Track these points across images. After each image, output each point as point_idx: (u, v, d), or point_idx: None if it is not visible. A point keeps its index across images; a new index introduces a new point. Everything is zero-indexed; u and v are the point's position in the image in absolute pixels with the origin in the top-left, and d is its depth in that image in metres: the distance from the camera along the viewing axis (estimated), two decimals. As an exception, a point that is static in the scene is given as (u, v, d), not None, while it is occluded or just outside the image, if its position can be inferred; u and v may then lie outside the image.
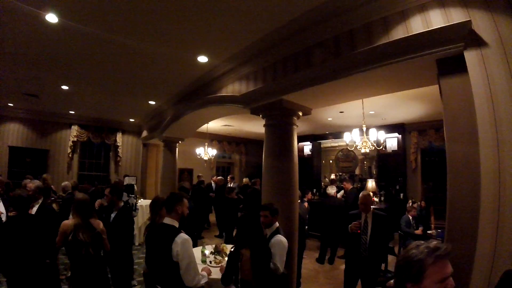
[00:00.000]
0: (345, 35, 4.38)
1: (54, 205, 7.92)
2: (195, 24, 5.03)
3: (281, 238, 4.17)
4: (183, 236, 3.44)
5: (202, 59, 6.41)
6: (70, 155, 14.17)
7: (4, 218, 5.37)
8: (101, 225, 4.35)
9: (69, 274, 4.64)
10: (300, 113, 6.05)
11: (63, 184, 8.22)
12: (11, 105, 12.81)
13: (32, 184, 5.37)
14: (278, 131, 5.89)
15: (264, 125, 6.15)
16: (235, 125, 13.94)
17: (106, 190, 5.50)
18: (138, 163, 15.35)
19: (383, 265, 6.77)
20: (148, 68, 7.18)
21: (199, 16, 4.79)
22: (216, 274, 4.23)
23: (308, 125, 12.69)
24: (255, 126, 13.72)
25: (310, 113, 6.27)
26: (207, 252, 5.23)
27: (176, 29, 5.25)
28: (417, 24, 3.63)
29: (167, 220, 3.63)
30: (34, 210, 5.14)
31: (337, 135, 14.14)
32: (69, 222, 4.12)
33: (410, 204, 9.68)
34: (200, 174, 13.47)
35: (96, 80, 8.44)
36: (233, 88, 6.79)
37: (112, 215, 5.27)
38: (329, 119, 11.45)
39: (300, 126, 6.00)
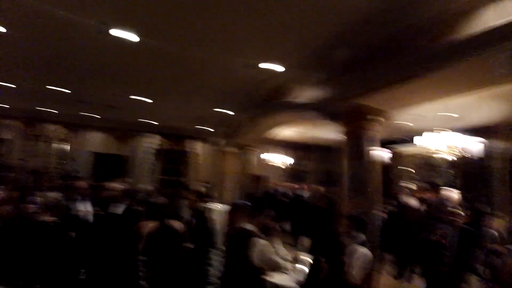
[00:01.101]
0: (420, 30, 4.17)
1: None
2: (254, 32, 5.23)
3: (365, 250, 4.00)
4: (261, 241, 3.50)
5: (277, 68, 6.45)
6: (152, 162, 15.50)
7: (90, 218, 5.84)
8: (180, 226, 4.56)
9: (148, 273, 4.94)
10: (380, 118, 5.85)
11: (144, 187, 8.77)
12: (98, 116, 14.33)
13: (118, 186, 5.80)
14: (357, 137, 5.76)
15: (342, 132, 6.03)
16: (309, 132, 13.73)
17: (189, 195, 5.78)
18: (216, 170, 15.79)
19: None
20: (224, 79, 7.61)
21: (259, 24, 4.98)
22: (286, 281, 4.22)
23: (384, 129, 12.09)
24: (328, 131, 13.05)
25: (389, 118, 6.04)
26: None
27: (247, 41, 5.58)
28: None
29: (246, 225, 3.71)
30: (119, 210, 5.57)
31: (413, 139, 13.24)
32: (151, 223, 4.39)
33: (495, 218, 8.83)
34: (275, 182, 13.59)
35: (176, 93, 9.27)
36: (308, 94, 6.76)
37: (193, 219, 5.50)
38: (403, 122, 10.83)
39: (372, 130, 5.81)
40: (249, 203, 3.92)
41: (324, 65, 5.87)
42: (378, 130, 5.84)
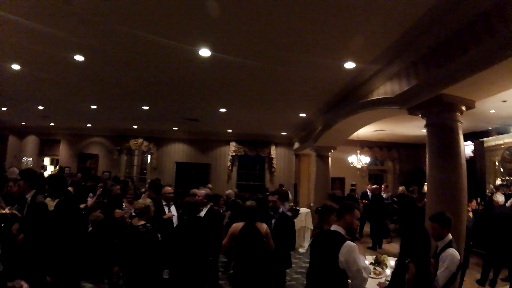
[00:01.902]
0: (495, 10, 3.74)
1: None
2: (337, 31, 5.08)
3: (453, 252, 3.76)
4: (349, 244, 3.37)
5: (349, 65, 6.36)
6: (229, 168, 15.94)
7: (175, 221, 6.07)
8: (264, 228, 4.61)
9: (231, 272, 5.02)
10: (463, 107, 5.28)
11: (227, 192, 8.95)
12: (176, 129, 15.70)
13: (201, 191, 5.98)
14: (441, 130, 5.24)
15: (425, 125, 5.55)
16: (387, 129, 13.32)
17: (270, 197, 5.76)
18: (291, 173, 15.93)
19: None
20: (296, 82, 7.55)
21: (340, 22, 4.84)
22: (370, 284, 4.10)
23: (467, 120, 11.13)
24: (408, 128, 12.73)
25: (474, 106, 5.44)
26: (366, 262, 5.08)
27: (320, 40, 5.40)
28: None
29: (334, 227, 3.60)
30: (202, 213, 5.77)
31: (502, 129, 11.84)
32: (239, 225, 4.49)
33: None
34: (353, 183, 13.30)
35: (249, 100, 9.40)
36: (384, 89, 6.44)
37: (273, 221, 5.47)
38: (491, 111, 9.81)
39: (456, 122, 5.35)
40: (336, 206, 3.80)
41: (404, 57, 5.59)
42: (463, 121, 5.36)
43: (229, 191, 9.10)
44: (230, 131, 15.45)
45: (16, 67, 8.04)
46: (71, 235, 4.54)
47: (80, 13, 5.10)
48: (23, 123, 18.50)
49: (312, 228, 10.39)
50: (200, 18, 4.97)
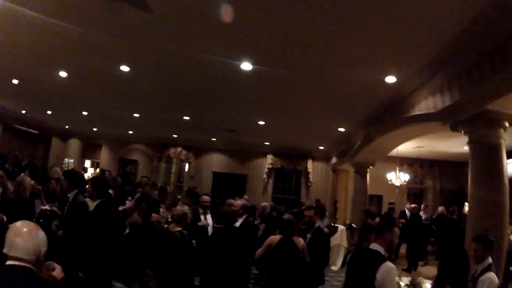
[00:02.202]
0: None
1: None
2: (379, 44, 5.00)
3: (493, 276, 3.61)
4: (388, 264, 3.29)
5: (390, 79, 6.19)
6: (265, 180, 15.90)
7: (210, 230, 6.12)
8: (301, 242, 4.57)
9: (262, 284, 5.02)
10: (507, 124, 5.05)
11: (262, 204, 8.96)
12: (214, 139, 15.97)
13: (238, 202, 6.01)
14: (484, 147, 5.01)
15: (468, 142, 5.35)
16: (428, 146, 12.73)
17: (307, 211, 5.73)
18: (328, 188, 15.68)
19: None
20: (336, 95, 7.49)
21: (383, 36, 4.76)
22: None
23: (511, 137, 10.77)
24: (450, 145, 12.00)
25: None
26: (402, 284, 4.93)
27: (362, 53, 5.33)
28: None
29: (374, 246, 3.50)
30: (237, 224, 5.75)
31: None
32: (276, 237, 4.47)
33: None
34: (391, 201, 12.96)
35: (288, 113, 9.40)
36: (426, 104, 6.15)
37: (308, 235, 5.41)
38: None
39: (501, 139, 5.10)
40: (375, 224, 3.73)
41: (447, 70, 5.41)
42: (507, 138, 5.12)
43: (264, 204, 9.10)
44: (268, 143, 15.49)
45: (63, 74, 8.38)
46: (108, 236, 4.63)
47: (128, 25, 5.28)
48: (67, 127, 19.32)
49: (346, 246, 10.20)
50: (243, 33, 5.07)
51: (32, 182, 5.85)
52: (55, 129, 19.54)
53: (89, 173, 18.36)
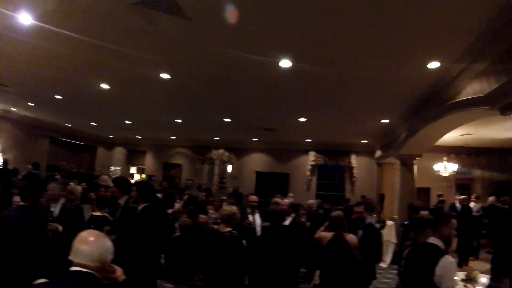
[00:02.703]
0: None
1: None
2: (419, 29, 4.80)
3: None
4: (448, 258, 3.19)
5: (433, 65, 5.94)
6: (308, 177, 15.76)
7: (259, 229, 6.15)
8: (354, 239, 4.48)
9: (317, 282, 4.93)
10: None
11: (308, 202, 8.91)
12: (255, 139, 16.03)
13: (286, 200, 5.98)
14: None
15: None
16: (475, 133, 11.88)
17: (356, 208, 5.63)
18: (373, 183, 15.29)
19: None
20: (377, 86, 7.27)
21: (422, 20, 4.57)
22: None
23: None
24: (499, 131, 11.36)
25: None
26: (457, 278, 4.74)
27: (401, 41, 5.17)
28: None
29: (432, 240, 3.42)
30: (286, 222, 5.73)
31: None
32: (327, 235, 4.41)
33: None
34: (440, 193, 12.54)
35: (328, 109, 9.33)
36: (473, 89, 5.80)
37: (360, 232, 5.31)
38: None
39: None
40: (437, 217, 3.62)
41: (492, 51, 5.10)
42: None
43: (311, 201, 9.05)
44: (309, 140, 15.27)
45: (105, 86, 8.73)
46: (153, 238, 4.73)
47: (165, 33, 5.40)
48: (111, 136, 20.22)
49: (395, 241, 9.95)
50: (282, 31, 5.03)
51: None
52: (99, 139, 20.55)
53: (136, 178, 18.88)
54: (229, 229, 4.82)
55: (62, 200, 5.49)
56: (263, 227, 5.87)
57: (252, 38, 5.36)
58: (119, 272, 2.32)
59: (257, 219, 6.23)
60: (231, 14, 4.60)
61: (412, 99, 8.01)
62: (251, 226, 6.00)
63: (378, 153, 14.23)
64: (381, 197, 14.71)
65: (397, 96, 7.86)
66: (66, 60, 7.19)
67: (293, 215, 6.16)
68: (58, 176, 11.19)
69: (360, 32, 4.94)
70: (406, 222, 7.84)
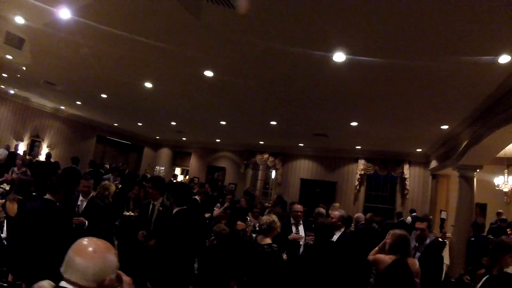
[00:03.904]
0: None
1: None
2: (491, 16, 4.05)
3: None
4: None
5: (504, 59, 5.01)
6: (357, 187, 14.79)
7: (302, 243, 5.53)
8: (416, 265, 3.76)
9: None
10: None
11: (356, 215, 8.18)
12: (302, 145, 15.45)
13: (336, 212, 5.33)
14: None
15: None
16: None
17: (418, 224, 4.87)
18: (427, 196, 14.15)
19: None
20: (439, 87, 6.44)
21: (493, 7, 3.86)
22: None
23: None
24: None
25: None
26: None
27: (469, 33, 4.44)
28: None
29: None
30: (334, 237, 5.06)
31: None
32: (385, 258, 3.72)
33: None
34: (500, 211, 11.40)
35: (383, 112, 8.43)
36: None
37: (417, 254, 4.60)
38: None
39: None
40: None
41: None
42: None
43: (358, 214, 8.25)
44: (359, 147, 14.37)
45: (148, 85, 8.69)
46: (186, 245, 4.36)
47: (207, 26, 5.09)
48: (157, 137, 20.82)
49: (447, 263, 9.01)
50: (336, 19, 4.46)
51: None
52: (146, 140, 21.20)
53: (180, 180, 19.29)
54: (269, 241, 4.31)
55: (92, 195, 5.40)
56: (306, 245, 5.21)
57: (300, 29, 4.82)
58: (126, 282, 1.84)
59: (301, 231, 5.56)
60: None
61: (478, 100, 7.02)
62: (300, 241, 5.39)
63: (434, 163, 13.10)
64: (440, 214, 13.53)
65: (461, 96, 6.89)
66: (109, 58, 7.22)
67: (342, 229, 5.37)
68: (109, 176, 11.24)
69: (424, 21, 4.27)
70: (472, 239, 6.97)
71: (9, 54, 8.27)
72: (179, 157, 21.23)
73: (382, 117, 8.87)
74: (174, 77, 7.85)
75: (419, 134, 10.62)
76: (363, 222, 7.85)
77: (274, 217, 4.52)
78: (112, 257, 1.72)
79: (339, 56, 5.40)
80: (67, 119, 16.90)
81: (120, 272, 1.80)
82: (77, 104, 13.95)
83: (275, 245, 4.27)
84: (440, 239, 8.58)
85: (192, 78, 7.65)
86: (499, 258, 3.35)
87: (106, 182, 6.37)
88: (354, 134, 11.50)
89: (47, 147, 16.07)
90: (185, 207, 4.51)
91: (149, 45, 6.00)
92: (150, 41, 5.87)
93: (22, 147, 14.88)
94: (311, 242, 4.97)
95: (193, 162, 20.09)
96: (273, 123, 11.21)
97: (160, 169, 20.62)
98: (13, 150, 13.26)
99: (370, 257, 3.98)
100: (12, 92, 13.84)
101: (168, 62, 6.87)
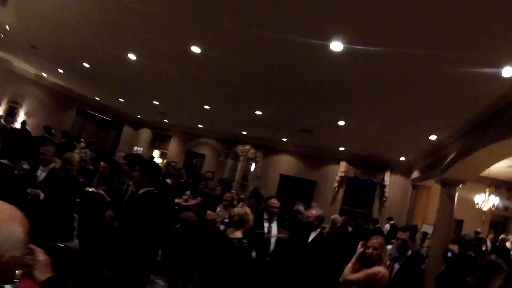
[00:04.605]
0: None
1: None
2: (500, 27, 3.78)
3: None
4: None
5: (508, 72, 4.70)
6: (336, 189, 14.47)
7: (273, 240, 5.15)
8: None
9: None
10: None
11: (333, 217, 7.88)
12: (285, 139, 14.97)
13: (313, 211, 4.95)
14: None
15: None
16: None
17: (401, 233, 4.53)
18: (405, 206, 13.92)
19: None
20: (436, 92, 6.08)
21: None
22: None
23: None
24: None
25: None
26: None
27: (476, 39, 4.14)
28: None
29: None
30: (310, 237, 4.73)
31: None
32: (384, 272, 3.32)
33: None
34: (478, 230, 11.29)
35: (373, 112, 8.06)
36: None
37: (396, 265, 4.28)
38: None
39: None
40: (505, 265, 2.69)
41: None
42: None
43: (335, 216, 7.92)
44: (343, 149, 14.10)
45: (132, 57, 8.30)
46: (152, 229, 3.93)
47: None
48: (138, 116, 20.44)
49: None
50: (335, 3, 4.08)
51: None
52: (127, 118, 20.80)
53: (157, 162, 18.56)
54: (240, 235, 3.95)
55: (52, 166, 4.94)
56: (278, 239, 4.83)
57: (298, 12, 4.43)
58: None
59: (274, 228, 5.13)
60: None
61: (473, 112, 6.71)
62: (266, 236, 4.96)
63: (416, 173, 12.90)
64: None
65: (457, 106, 6.61)
66: (93, 21, 6.83)
67: (319, 230, 4.99)
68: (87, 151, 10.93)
69: (427, 13, 3.89)
70: (449, 253, 6.67)
71: (-6, 13, 8.06)
72: (159, 139, 20.73)
73: (372, 118, 8.51)
74: (159, 49, 7.40)
75: (406, 141, 10.34)
76: (339, 224, 7.55)
77: (247, 209, 4.15)
78: (15, 229, 1.25)
79: (336, 46, 5.00)
80: (48, 88, 16.53)
81: (34, 247, 1.41)
82: (59, 72, 13.65)
83: (245, 240, 3.91)
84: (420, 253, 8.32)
85: (179, 54, 7.22)
86: (489, 279, 3.05)
87: (69, 153, 5.80)
88: (340, 134, 11.16)
89: (25, 114, 15.75)
90: (153, 188, 4.08)
91: (135, 8, 5.59)
92: (136, 4, 5.45)
93: (-1, 112, 14.57)
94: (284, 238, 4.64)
95: (173, 146, 19.63)
96: (259, 112, 10.79)
97: (138, 150, 20.04)
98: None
99: (350, 277, 3.51)
100: (-7, 54, 13.69)
101: (154, 30, 6.40)
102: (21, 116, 15.49)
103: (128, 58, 8.43)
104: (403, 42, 4.57)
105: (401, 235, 4.36)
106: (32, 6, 7.11)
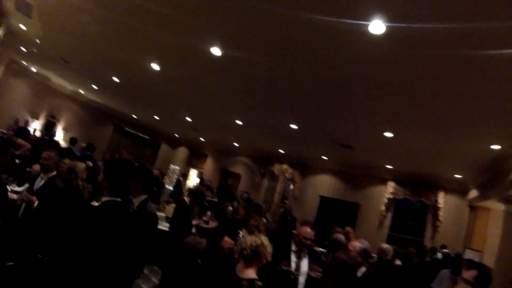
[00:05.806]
0: None
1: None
2: None
3: None
4: None
5: None
6: (383, 213, 12.97)
7: (302, 280, 4.04)
8: None
9: None
10: None
11: (383, 246, 6.56)
12: (325, 158, 13.84)
13: (356, 243, 3.83)
14: None
15: None
16: None
17: (467, 273, 3.27)
18: (461, 230, 12.23)
19: None
20: (506, 86, 4.68)
21: None
22: None
23: None
24: None
25: None
26: None
27: None
28: None
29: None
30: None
31: None
32: None
33: None
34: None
35: (426, 119, 6.68)
36: None
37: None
38: None
39: None
40: None
41: None
42: None
43: (385, 246, 6.51)
44: (390, 167, 12.51)
45: (156, 67, 8.05)
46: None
47: None
48: (176, 135, 20.65)
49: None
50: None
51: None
52: (164, 135, 21.27)
53: (194, 182, 19.11)
54: (253, 274, 2.93)
55: (53, 174, 4.64)
56: (309, 279, 3.66)
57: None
58: None
59: (304, 265, 3.89)
60: None
61: None
62: (293, 275, 3.78)
63: (473, 193, 11.13)
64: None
65: None
66: (112, 27, 6.70)
67: (363, 269, 3.72)
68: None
69: None
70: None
71: (22, 23, 8.48)
72: (195, 158, 20.45)
73: (423, 125, 7.08)
74: (178, 53, 6.84)
75: (462, 153, 8.78)
76: (389, 257, 6.28)
77: (263, 239, 3.13)
78: None
79: (377, 26, 3.87)
80: (85, 103, 17.39)
81: None
82: (93, 88, 14.05)
83: (260, 283, 2.87)
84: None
85: (199, 59, 6.55)
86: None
87: (72, 162, 5.59)
88: (387, 148, 9.74)
89: (62, 129, 16.67)
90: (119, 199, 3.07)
91: (147, 10, 5.21)
92: (151, 5, 5.03)
93: (36, 125, 15.67)
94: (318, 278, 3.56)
95: (208, 164, 19.21)
96: (294, 126, 9.75)
97: (175, 168, 19.72)
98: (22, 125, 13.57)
99: None
100: (34, 70, 14.66)
101: (175, 37, 5.94)
102: (58, 131, 16.36)
103: (152, 68, 8.09)
104: (468, 16, 3.41)
105: (467, 275, 3.08)
106: (54, 19, 7.19)
